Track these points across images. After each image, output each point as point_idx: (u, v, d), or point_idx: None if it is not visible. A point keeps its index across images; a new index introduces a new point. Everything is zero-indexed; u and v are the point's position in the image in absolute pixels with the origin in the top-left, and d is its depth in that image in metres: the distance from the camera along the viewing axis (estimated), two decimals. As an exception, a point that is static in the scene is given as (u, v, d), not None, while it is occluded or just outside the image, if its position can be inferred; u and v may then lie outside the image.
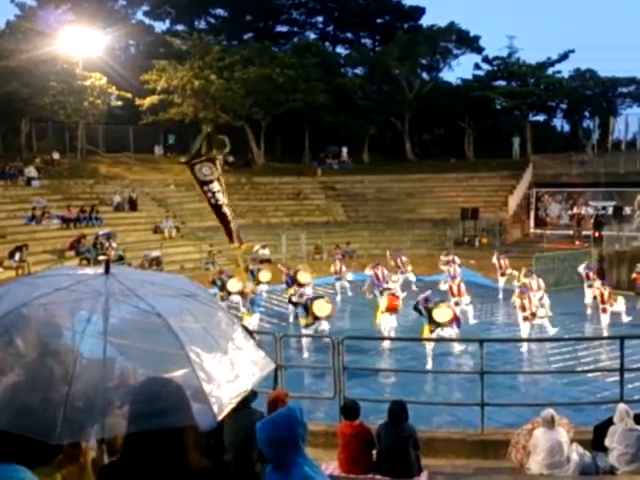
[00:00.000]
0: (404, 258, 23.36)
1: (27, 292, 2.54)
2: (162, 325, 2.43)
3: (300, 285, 18.90)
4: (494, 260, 22.47)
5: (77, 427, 2.25)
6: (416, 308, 14.52)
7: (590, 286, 18.79)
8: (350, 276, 22.81)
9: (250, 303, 16.74)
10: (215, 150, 16.97)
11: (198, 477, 2.23)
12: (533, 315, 15.78)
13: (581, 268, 20.34)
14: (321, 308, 14.71)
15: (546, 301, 17.53)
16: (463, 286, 18.15)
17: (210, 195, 16.50)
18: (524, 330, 15.71)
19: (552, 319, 17.48)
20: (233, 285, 18.26)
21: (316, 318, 14.76)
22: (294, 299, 16.57)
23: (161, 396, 2.20)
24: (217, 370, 2.48)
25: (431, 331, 13.88)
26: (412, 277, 22.92)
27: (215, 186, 16.38)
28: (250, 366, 2.67)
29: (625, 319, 16.96)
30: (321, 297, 15.94)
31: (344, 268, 22.80)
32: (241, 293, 17.38)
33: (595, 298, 17.39)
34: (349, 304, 21.35)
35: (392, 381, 12.56)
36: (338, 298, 21.74)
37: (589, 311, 18.74)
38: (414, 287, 22.02)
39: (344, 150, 41.80)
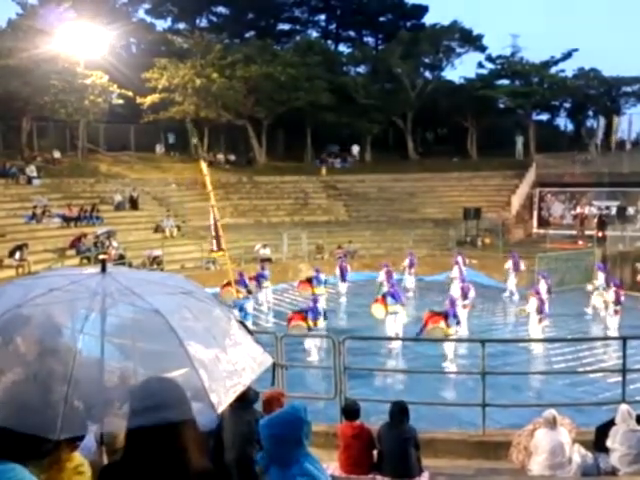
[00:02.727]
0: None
1: (23, 293, 2.56)
2: (161, 323, 2.45)
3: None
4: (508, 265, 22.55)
5: (77, 423, 2.28)
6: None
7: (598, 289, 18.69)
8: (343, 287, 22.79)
9: (237, 309, 16.36)
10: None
11: (198, 477, 2.23)
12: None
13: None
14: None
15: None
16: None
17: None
18: (535, 331, 15.65)
19: (555, 319, 17.47)
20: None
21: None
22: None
23: (159, 392, 2.22)
24: (216, 365, 2.50)
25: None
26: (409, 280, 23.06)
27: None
28: (249, 361, 2.70)
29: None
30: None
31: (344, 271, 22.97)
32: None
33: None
34: (351, 304, 21.32)
35: (393, 381, 12.52)
36: (342, 299, 21.83)
37: (587, 310, 18.73)
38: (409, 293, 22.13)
39: (355, 148, 41.97)
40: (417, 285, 23.23)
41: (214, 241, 16.61)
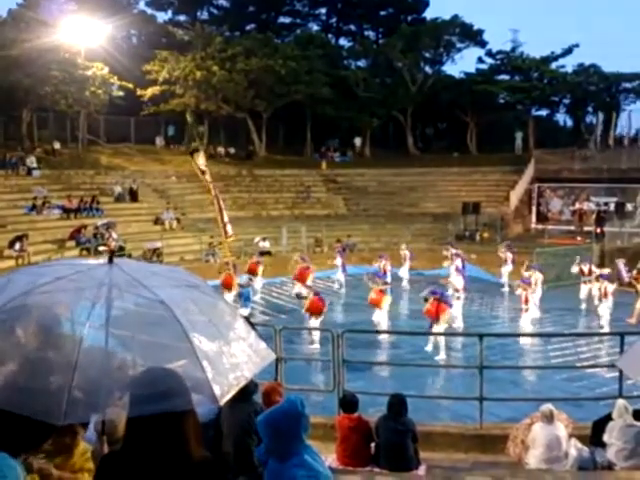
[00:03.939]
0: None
1: (28, 282, 2.60)
2: (167, 315, 2.48)
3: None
4: (501, 254, 22.53)
5: (81, 409, 2.32)
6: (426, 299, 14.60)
7: (585, 282, 18.92)
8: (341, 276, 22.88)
9: (239, 297, 16.62)
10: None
11: (198, 467, 2.25)
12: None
13: (574, 268, 20.30)
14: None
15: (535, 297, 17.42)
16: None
17: (211, 186, 16.55)
18: (524, 323, 15.72)
19: (552, 314, 17.51)
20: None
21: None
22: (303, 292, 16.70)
23: (162, 380, 2.25)
24: (220, 358, 2.54)
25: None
26: (405, 274, 23.17)
27: (208, 177, 16.53)
28: (252, 355, 2.74)
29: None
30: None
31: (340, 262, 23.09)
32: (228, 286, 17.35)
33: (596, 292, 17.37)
34: (349, 297, 21.35)
35: (391, 374, 12.56)
36: (342, 291, 21.90)
37: (583, 306, 18.82)
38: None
39: (357, 140, 41.99)
40: (413, 279, 23.28)
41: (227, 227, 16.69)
